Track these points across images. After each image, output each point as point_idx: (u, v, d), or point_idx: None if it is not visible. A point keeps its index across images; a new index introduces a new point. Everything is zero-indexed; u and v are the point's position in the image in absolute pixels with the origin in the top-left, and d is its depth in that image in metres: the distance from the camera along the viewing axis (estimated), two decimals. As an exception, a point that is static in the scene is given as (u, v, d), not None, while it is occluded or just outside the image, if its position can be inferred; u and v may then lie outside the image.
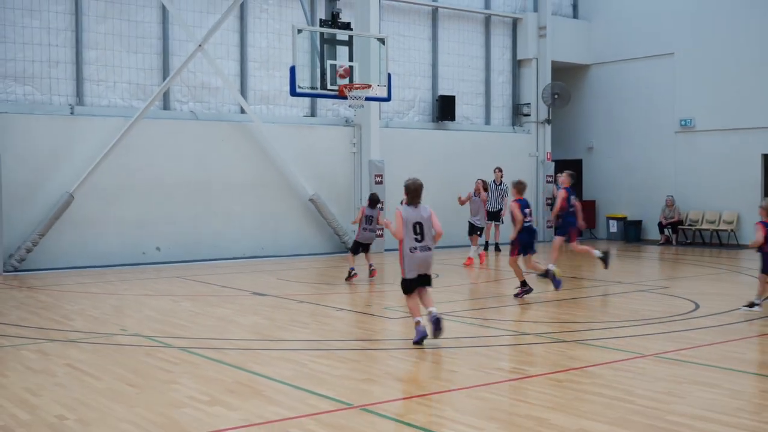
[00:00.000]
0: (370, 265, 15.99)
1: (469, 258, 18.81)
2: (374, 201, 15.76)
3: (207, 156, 20.13)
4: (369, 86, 16.39)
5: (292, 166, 20.78)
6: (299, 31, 16.05)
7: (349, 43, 16.68)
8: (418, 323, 9.35)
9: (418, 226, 9.38)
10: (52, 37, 18.69)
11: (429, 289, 9.59)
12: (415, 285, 9.42)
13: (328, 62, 16.29)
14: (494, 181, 21.63)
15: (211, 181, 20.10)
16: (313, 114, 22.32)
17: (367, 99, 16.74)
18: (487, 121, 25.63)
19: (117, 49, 19.46)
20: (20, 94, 18.44)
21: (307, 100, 22.00)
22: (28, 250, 17.70)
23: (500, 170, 21.67)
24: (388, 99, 17.26)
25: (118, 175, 18.97)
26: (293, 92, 16.15)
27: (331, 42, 16.47)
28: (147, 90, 19.83)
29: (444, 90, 24.54)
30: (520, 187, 13.17)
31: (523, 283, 13.10)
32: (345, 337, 10.09)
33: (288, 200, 21.03)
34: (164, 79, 19.84)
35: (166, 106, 20.31)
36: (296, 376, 7.90)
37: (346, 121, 22.58)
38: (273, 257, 20.70)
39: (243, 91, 21.11)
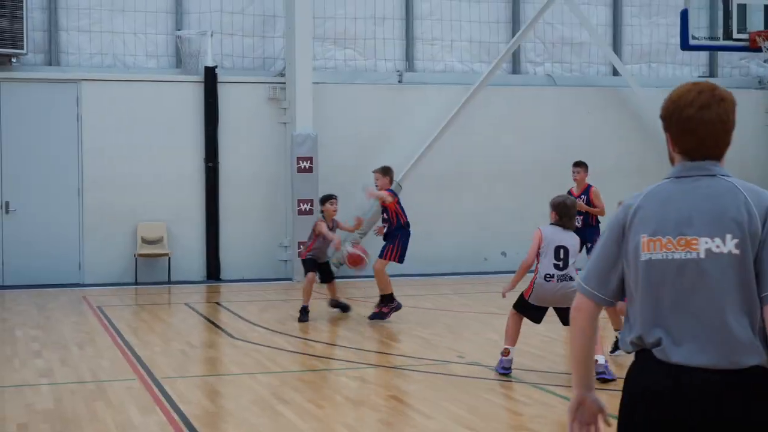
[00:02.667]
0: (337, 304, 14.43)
1: None
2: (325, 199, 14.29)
3: (567, 132, 20.21)
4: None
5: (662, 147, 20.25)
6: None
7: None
8: None
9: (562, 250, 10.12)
10: (377, -13, 19.86)
11: None
12: None
13: (735, 1, 15.71)
14: None
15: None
16: (711, 74, 21.66)
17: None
18: None
19: (455, -2, 20.21)
20: (340, 60, 19.72)
21: (703, 55, 21.45)
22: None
23: None
24: (821, 50, 16.33)
25: (454, 159, 19.63)
26: (685, 45, 15.82)
27: (738, -25, 15.86)
28: (492, 49, 20.33)
29: None
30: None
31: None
32: None
33: (676, 191, 20.59)
34: (513, 34, 20.24)
35: (515, 69, 20.69)
36: None
37: (760, 82, 21.73)
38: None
39: (615, 47, 20.97)
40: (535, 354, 11.04)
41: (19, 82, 17.88)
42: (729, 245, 3.49)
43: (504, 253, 19.80)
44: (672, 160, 3.77)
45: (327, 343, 11.91)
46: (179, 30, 18.93)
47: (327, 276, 14.17)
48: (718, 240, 3.51)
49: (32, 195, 17.89)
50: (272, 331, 12.88)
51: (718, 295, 3.50)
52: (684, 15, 15.47)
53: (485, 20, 20.39)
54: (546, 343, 11.74)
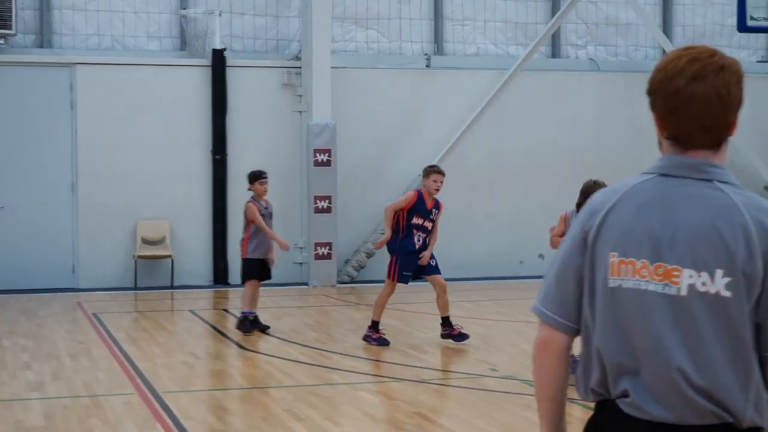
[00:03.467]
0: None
1: None
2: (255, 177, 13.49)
3: (612, 123, 20.11)
4: None
5: (736, 135, 20.11)
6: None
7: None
8: None
9: None
10: (404, -38, 19.81)
11: None
12: None
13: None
14: None
15: (620, 159, 20.03)
16: (774, 58, 21.61)
17: None
18: None
19: (488, -27, 20.17)
20: (362, 42, 19.70)
21: (762, 37, 21.47)
22: (369, 255, 18.83)
23: None
24: None
25: (487, 152, 19.58)
26: (742, 26, 15.73)
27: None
28: (529, 31, 20.28)
29: None
30: None
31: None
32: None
33: (733, 188, 20.49)
34: (553, 14, 20.17)
35: (555, 52, 20.67)
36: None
37: (827, 67, 21.56)
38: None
39: (666, 28, 20.91)
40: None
41: (8, 66, 17.91)
42: (719, 284, 2.98)
43: (542, 256, 19.69)
44: (661, 149, 3.24)
45: (346, 355, 11.85)
46: (184, 8, 18.95)
47: (264, 276, 13.56)
48: (705, 275, 2.99)
49: (22, 191, 17.92)
50: (285, 340, 12.86)
51: (701, 346, 2.99)
52: (743, -8, 15.37)
53: (522, -1, 20.37)
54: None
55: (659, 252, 3.03)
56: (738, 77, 3.15)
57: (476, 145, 19.50)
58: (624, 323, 3.06)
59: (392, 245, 12.23)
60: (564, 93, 20.10)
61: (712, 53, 3.13)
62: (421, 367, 11.12)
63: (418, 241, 12.06)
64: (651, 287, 3.02)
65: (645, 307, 3.03)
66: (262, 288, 13.47)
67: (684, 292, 3.00)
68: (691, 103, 3.10)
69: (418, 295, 17.23)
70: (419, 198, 12.09)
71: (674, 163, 3.15)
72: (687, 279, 3.00)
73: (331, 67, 18.62)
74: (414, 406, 9.32)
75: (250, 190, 13.45)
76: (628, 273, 3.06)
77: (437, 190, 12.12)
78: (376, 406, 9.45)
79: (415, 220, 12.05)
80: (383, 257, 18.69)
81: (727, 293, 2.97)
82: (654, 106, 3.22)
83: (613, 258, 3.08)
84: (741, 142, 20.20)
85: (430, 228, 12.14)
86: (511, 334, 13.43)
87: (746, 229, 3.00)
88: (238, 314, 13.67)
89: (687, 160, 3.13)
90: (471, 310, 15.71)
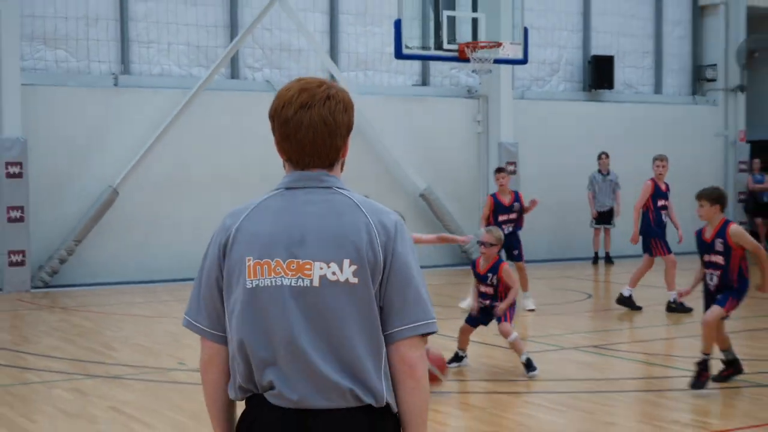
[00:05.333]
0: None
1: None
2: None
3: (286, 138, 20.35)
4: (499, 45, 16.27)
5: (396, 151, 20.79)
6: (407, -28, 16.10)
7: (473, -13, 16.69)
8: None
9: None
10: (91, -13, 19.30)
11: None
12: None
13: (445, 13, 16.29)
14: (599, 170, 21.34)
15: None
16: (424, 82, 22.35)
17: (496, 62, 16.62)
18: (658, 89, 25.22)
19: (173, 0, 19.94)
20: (51, 61, 19.02)
21: (416, 64, 22.03)
22: (62, 261, 18.27)
23: (607, 156, 21.51)
24: (524, 61, 17.15)
25: (173, 164, 19.34)
26: (399, 54, 16.15)
27: (449, -13, 16.48)
28: (210, 53, 20.19)
29: (599, 48, 24.22)
30: None
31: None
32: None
33: (391, 196, 20.99)
34: (232, 39, 20.18)
35: (234, 74, 20.62)
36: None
37: (469, 91, 22.56)
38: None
39: (333, 54, 21.27)
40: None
41: None
42: (347, 272, 3.12)
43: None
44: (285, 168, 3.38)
45: (40, 355, 11.48)
46: None
47: None
48: (334, 266, 3.12)
49: None
50: (-20, 344, 12.32)
51: (336, 329, 3.10)
52: (397, 25, 15.81)
53: (203, 24, 20.22)
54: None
55: (291, 251, 3.15)
56: (344, 105, 3.27)
57: (163, 158, 19.23)
58: (264, 319, 3.14)
59: None
60: (243, 111, 20.10)
61: (320, 83, 3.26)
62: (113, 364, 10.93)
63: None
64: (285, 282, 3.13)
65: (281, 301, 3.12)
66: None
67: (316, 282, 3.14)
68: (300, 130, 3.21)
69: (109, 297, 16.92)
70: None
71: (296, 177, 3.28)
72: (318, 271, 3.14)
73: (21, 84, 17.95)
74: (107, 400, 9.18)
75: None
76: (264, 273, 3.15)
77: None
78: (70, 402, 9.14)
79: None
80: (79, 263, 18.15)
81: (354, 279, 3.14)
82: (273, 131, 3.28)
83: (249, 262, 3.18)
84: (400, 156, 20.87)
85: None
86: (196, 331, 13.35)
87: (367, 224, 3.17)
88: None
89: (307, 173, 3.27)
90: (159, 309, 15.56)
